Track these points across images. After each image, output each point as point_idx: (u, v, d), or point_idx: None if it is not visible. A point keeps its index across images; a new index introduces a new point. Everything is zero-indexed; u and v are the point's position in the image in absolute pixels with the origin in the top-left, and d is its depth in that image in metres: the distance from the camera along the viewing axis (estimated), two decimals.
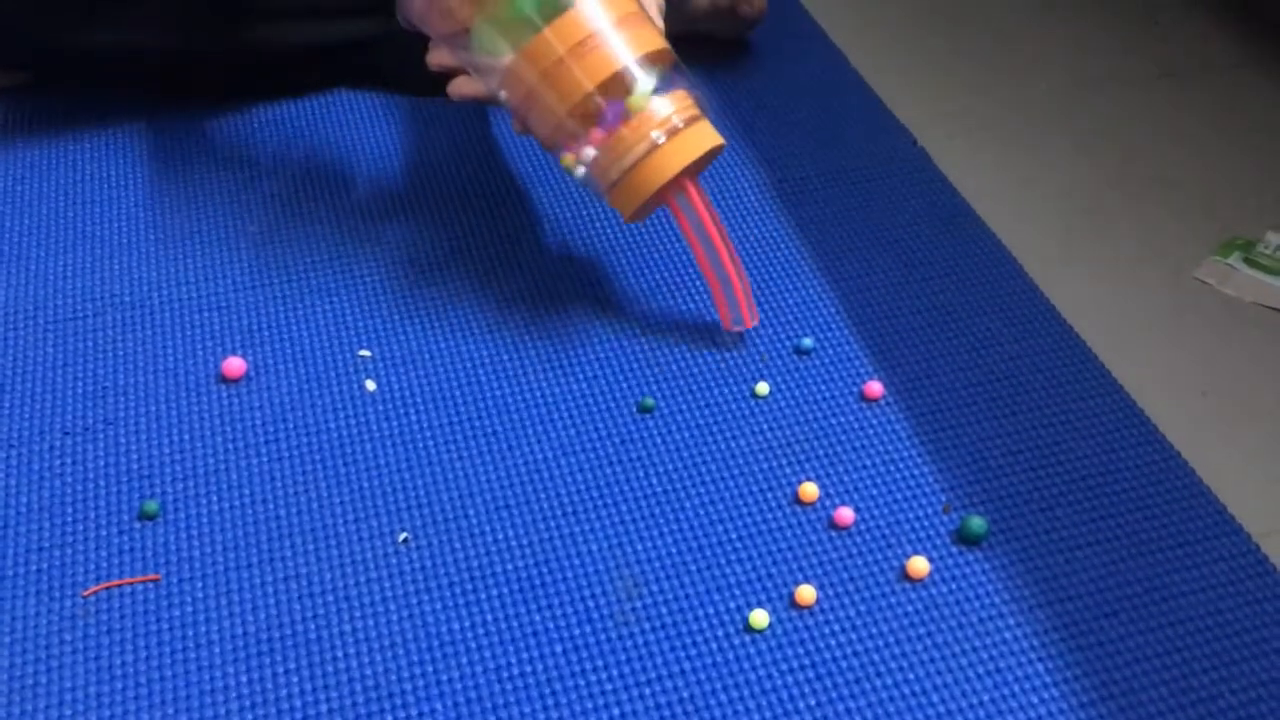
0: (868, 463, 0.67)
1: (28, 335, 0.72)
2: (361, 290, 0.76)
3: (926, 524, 0.64)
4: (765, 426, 0.69)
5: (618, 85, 0.65)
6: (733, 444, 0.68)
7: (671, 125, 0.66)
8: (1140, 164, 0.91)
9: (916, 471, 0.67)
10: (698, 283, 0.77)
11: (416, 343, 0.73)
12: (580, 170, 0.68)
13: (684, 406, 0.70)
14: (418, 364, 0.72)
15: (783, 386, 0.71)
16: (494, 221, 0.81)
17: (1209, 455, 0.68)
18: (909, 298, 0.77)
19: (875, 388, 0.70)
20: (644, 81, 0.66)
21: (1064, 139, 0.93)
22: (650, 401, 0.69)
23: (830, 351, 0.73)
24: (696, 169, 0.69)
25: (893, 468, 0.67)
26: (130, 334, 0.73)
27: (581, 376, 0.71)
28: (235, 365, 0.70)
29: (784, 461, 0.67)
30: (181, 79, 0.88)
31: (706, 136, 0.68)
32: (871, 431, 0.69)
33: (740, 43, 0.98)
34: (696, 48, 0.96)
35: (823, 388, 0.71)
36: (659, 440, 0.68)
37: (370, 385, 0.70)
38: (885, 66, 0.98)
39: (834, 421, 0.69)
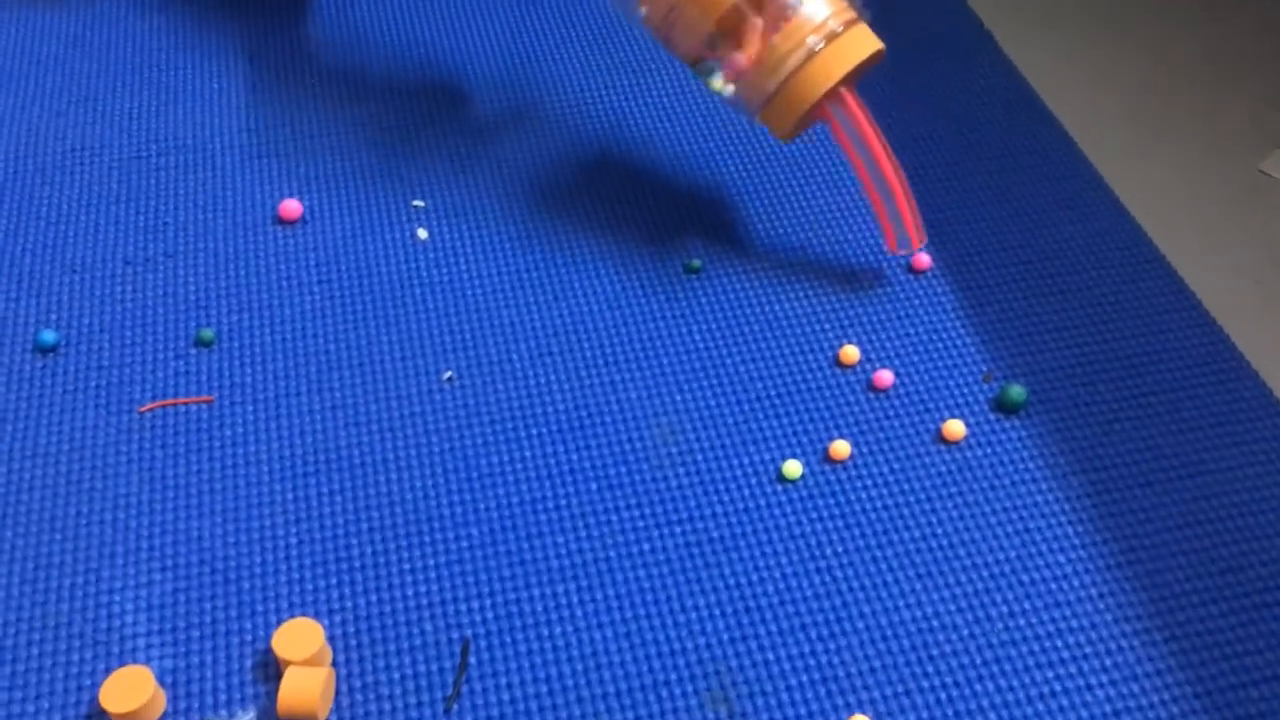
0: (910, 331, 0.67)
1: (94, 171, 0.74)
2: (418, 144, 0.77)
3: (966, 391, 0.64)
4: (810, 291, 0.69)
5: None
6: (776, 307, 0.68)
7: (829, 30, 0.62)
8: (1210, 60, 0.89)
9: (960, 341, 0.67)
10: (749, 148, 0.77)
11: (469, 196, 0.74)
12: (729, 88, 0.63)
13: (730, 269, 0.70)
14: (469, 216, 0.72)
15: (830, 253, 0.71)
16: (553, 86, 0.81)
17: (1258, 340, 0.68)
18: (966, 176, 0.77)
19: (924, 259, 0.70)
20: None
21: (1136, 33, 0.91)
22: (697, 263, 0.70)
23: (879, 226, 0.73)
24: (854, 77, 0.64)
25: (936, 336, 0.67)
26: (192, 175, 0.74)
27: (630, 236, 0.72)
28: (292, 207, 0.71)
29: (827, 326, 0.67)
30: None
31: (867, 41, 0.63)
32: (918, 301, 0.69)
33: None
34: None
35: (871, 257, 0.71)
36: (704, 299, 0.68)
37: (422, 234, 0.71)
38: None
39: (880, 291, 0.69)
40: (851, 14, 0.63)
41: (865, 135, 0.64)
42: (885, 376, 0.64)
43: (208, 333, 0.65)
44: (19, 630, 0.54)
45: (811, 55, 0.61)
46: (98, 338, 0.65)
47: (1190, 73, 0.88)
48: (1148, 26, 0.92)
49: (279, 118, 0.78)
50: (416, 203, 0.73)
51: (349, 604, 0.55)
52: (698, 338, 0.67)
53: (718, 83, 0.64)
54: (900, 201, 0.65)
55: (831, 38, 0.62)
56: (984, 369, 0.66)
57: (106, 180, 0.74)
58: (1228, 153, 0.81)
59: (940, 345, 0.67)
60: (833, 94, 0.63)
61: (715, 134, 0.78)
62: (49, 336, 0.64)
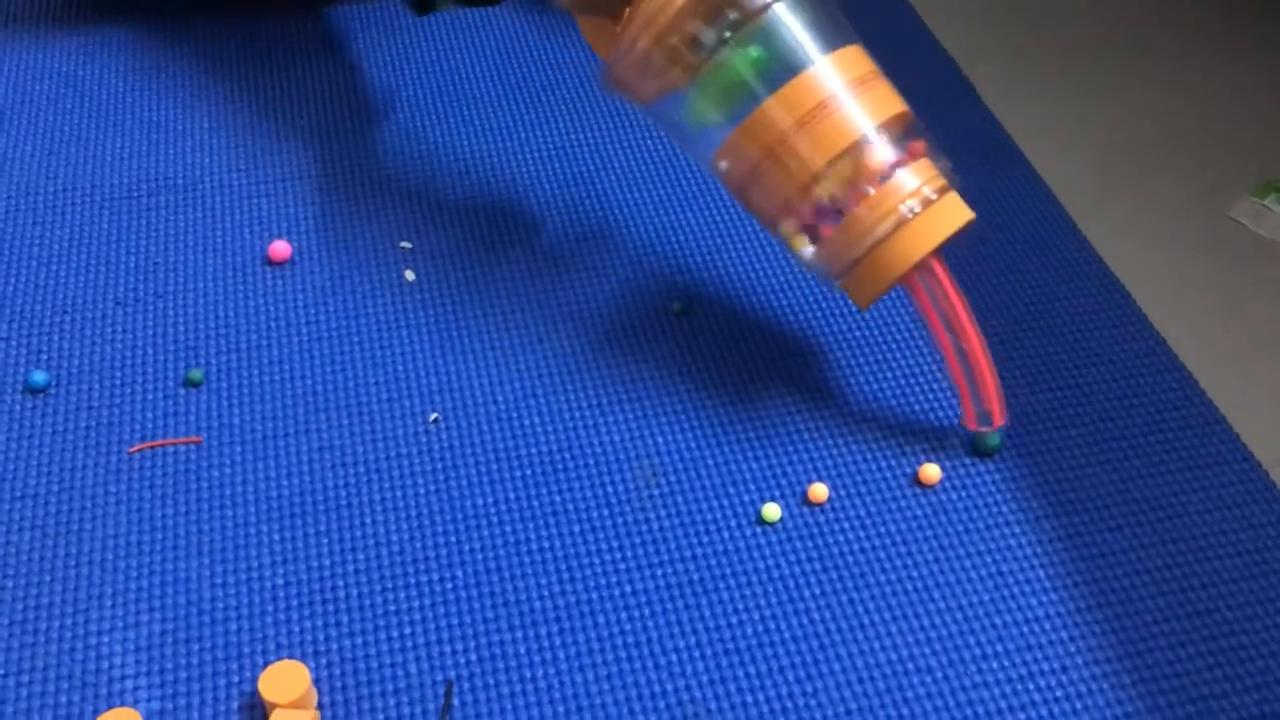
0: (889, 374, 0.69)
1: (85, 211, 0.75)
2: (406, 185, 0.78)
3: (942, 433, 0.66)
4: (791, 334, 0.70)
5: (854, 157, 0.58)
6: (758, 350, 0.70)
7: (923, 197, 0.59)
8: (1184, 107, 0.91)
9: (936, 384, 0.68)
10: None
11: (455, 239, 0.75)
12: (809, 251, 0.60)
13: (714, 313, 0.71)
14: (456, 259, 0.74)
15: (814, 298, 0.73)
16: (539, 127, 0.83)
17: (1226, 386, 0.69)
18: None
19: None
20: (883, 151, 0.58)
21: (1109, 79, 0.93)
22: (680, 306, 0.71)
23: None
24: (942, 247, 0.61)
25: (913, 378, 0.68)
26: (182, 214, 0.75)
27: (615, 279, 0.73)
28: (281, 248, 0.72)
29: (809, 369, 0.69)
30: None
31: (959, 211, 0.60)
32: (894, 344, 0.70)
33: None
34: None
35: (847, 301, 0.73)
36: (686, 343, 0.70)
37: (409, 275, 0.72)
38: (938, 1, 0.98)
39: (859, 333, 0.71)
40: (943, 181, 0.60)
41: (954, 308, 0.61)
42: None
43: (197, 373, 0.66)
44: (7, 672, 0.54)
45: (902, 223, 0.58)
46: (88, 378, 0.66)
47: (1161, 121, 0.90)
48: (1121, 75, 0.94)
49: (269, 158, 0.79)
50: (404, 244, 0.74)
51: (335, 645, 0.56)
52: (679, 381, 0.68)
53: (798, 241, 0.61)
54: (985, 377, 0.61)
55: (925, 205, 0.59)
56: (959, 413, 0.67)
57: (97, 220, 0.75)
58: (1198, 200, 0.83)
59: (918, 386, 0.68)
60: (921, 264, 0.60)
61: (700, 177, 0.80)
62: (40, 377, 0.65)
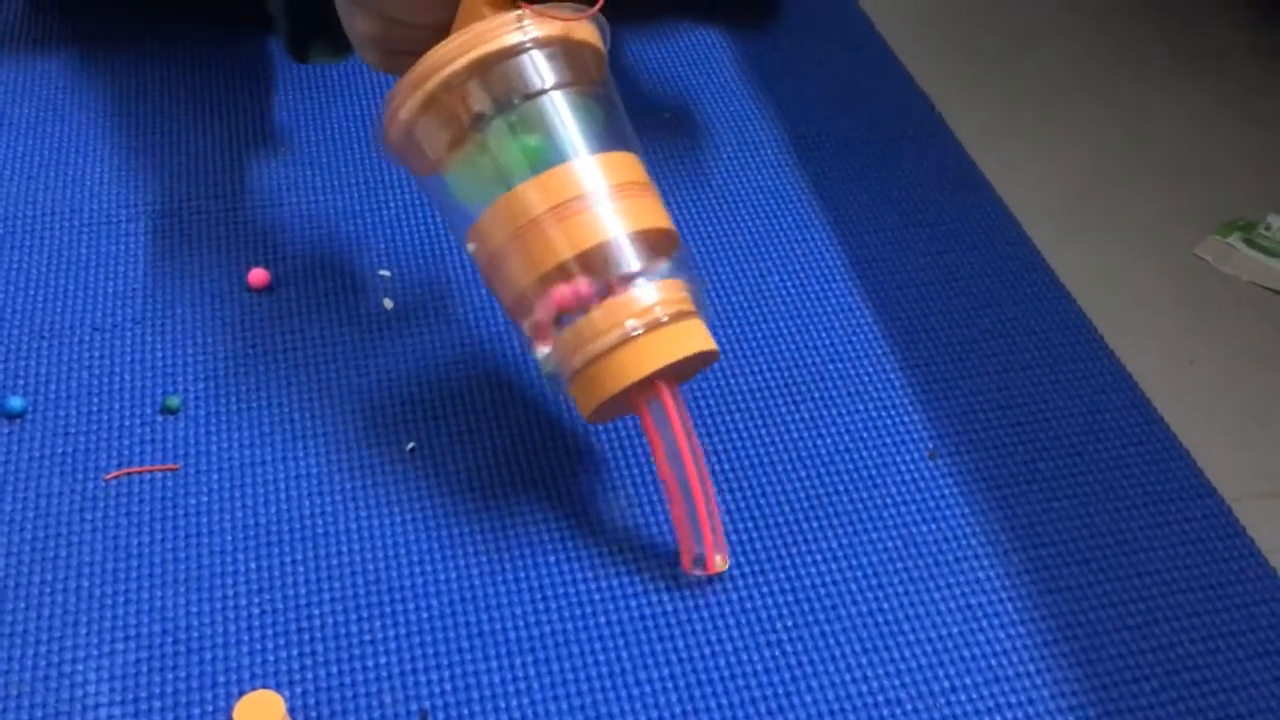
0: (859, 407, 0.70)
1: (63, 235, 0.75)
2: (385, 214, 0.79)
3: (911, 467, 0.67)
4: (765, 366, 0.71)
5: (600, 260, 0.55)
6: (732, 381, 0.70)
7: (653, 318, 0.55)
8: (1150, 143, 0.93)
9: (906, 417, 0.69)
10: (719, 214, 0.80)
11: (435, 267, 0.75)
12: (543, 350, 0.57)
13: None
14: (434, 287, 0.74)
15: (786, 330, 0.74)
16: None
17: (1189, 421, 0.71)
18: (913, 255, 0.80)
19: None
20: (630, 262, 0.55)
21: (1077, 115, 0.95)
22: None
23: (834, 301, 0.76)
24: (677, 374, 0.58)
25: (884, 413, 0.70)
26: (162, 240, 0.76)
27: None
28: (260, 276, 0.73)
29: (777, 399, 0.70)
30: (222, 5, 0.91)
31: (694, 339, 0.56)
32: (865, 378, 0.71)
33: (769, 6, 1.00)
34: (725, 6, 0.98)
35: (825, 334, 0.74)
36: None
37: (388, 303, 0.73)
38: (909, 33, 1.00)
39: (828, 367, 0.72)
40: (687, 306, 0.57)
41: (678, 440, 0.57)
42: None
43: (174, 400, 0.66)
44: None
45: (626, 340, 0.55)
46: (65, 404, 0.66)
47: (1130, 156, 0.92)
48: (1090, 110, 0.96)
49: (248, 185, 0.80)
50: (383, 272, 0.75)
51: (310, 675, 0.56)
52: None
53: (536, 348, 0.58)
54: (702, 518, 0.58)
55: (654, 327, 0.55)
56: (929, 446, 0.68)
57: (76, 245, 0.75)
58: (1163, 236, 0.85)
59: (888, 423, 0.69)
60: (648, 386, 0.56)
61: (681, 216, 0.81)
62: (16, 402, 0.65)
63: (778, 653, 0.58)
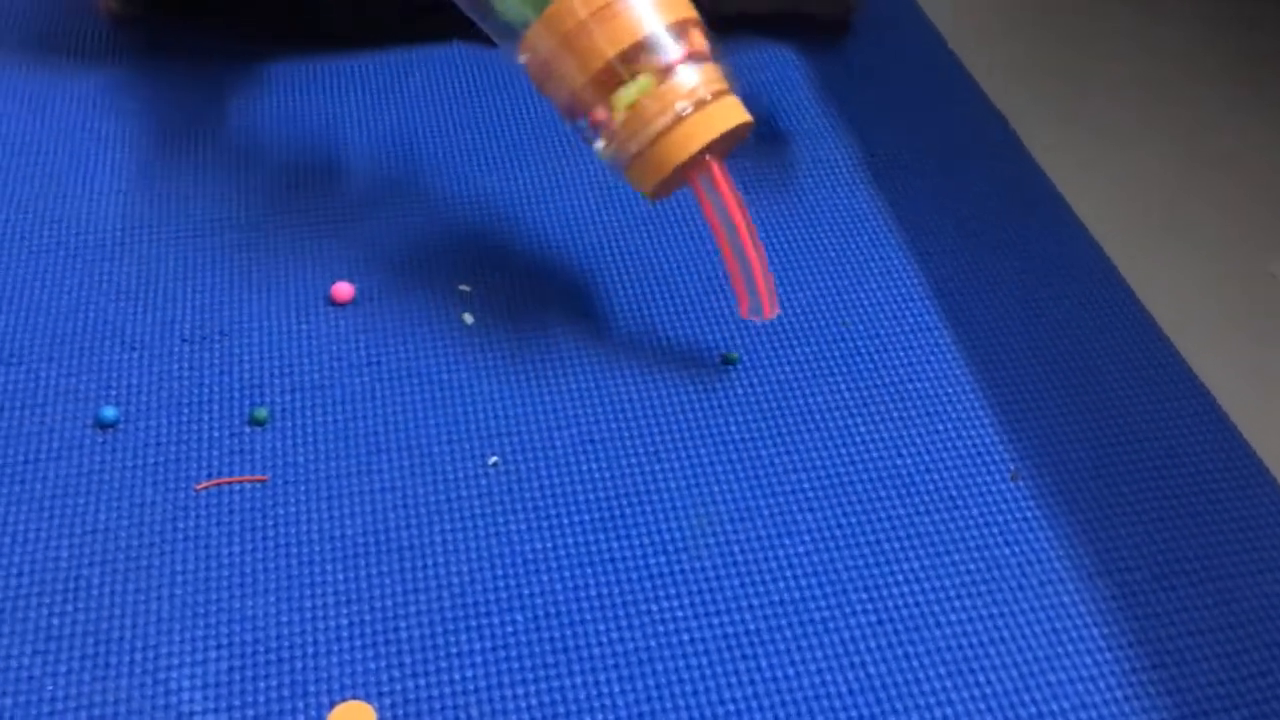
0: (940, 427, 0.70)
1: (152, 248, 0.77)
2: (465, 229, 0.79)
3: (994, 489, 0.66)
4: (843, 384, 0.71)
5: (642, 53, 0.62)
6: (811, 400, 0.71)
7: (699, 97, 0.63)
8: (1228, 159, 0.92)
9: (987, 439, 0.69)
10: (791, 239, 0.80)
11: (514, 282, 0.76)
12: (600, 144, 0.65)
13: (766, 361, 0.72)
14: (514, 302, 0.75)
15: (864, 349, 0.74)
16: (598, 173, 0.84)
17: (1274, 444, 0.70)
18: (989, 276, 0.79)
19: None
20: (670, 50, 0.62)
21: (1156, 133, 0.94)
22: (734, 355, 0.72)
23: (911, 320, 0.76)
24: (722, 147, 0.65)
25: (964, 433, 0.69)
26: (247, 253, 0.77)
27: (667, 325, 0.74)
28: (344, 289, 0.74)
29: (858, 419, 0.70)
30: (304, 19, 0.92)
31: (734, 112, 0.64)
32: (947, 399, 0.71)
33: (842, 24, 1.00)
34: (800, 26, 0.98)
35: (904, 353, 0.73)
36: (739, 391, 0.71)
37: (468, 318, 0.74)
38: (984, 52, 1.00)
39: (910, 386, 0.72)
40: (723, 84, 0.64)
41: (728, 204, 0.65)
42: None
43: (261, 412, 0.67)
44: (79, 705, 0.55)
45: (679, 120, 0.62)
46: (155, 414, 0.67)
47: (1204, 172, 0.91)
48: (1164, 123, 0.95)
49: (330, 200, 0.81)
50: (463, 287, 0.76)
51: (399, 686, 0.57)
52: (734, 429, 0.69)
53: (594, 142, 0.65)
54: (757, 273, 0.66)
55: (700, 105, 0.63)
56: (1010, 467, 0.68)
57: (164, 257, 0.76)
58: (1241, 254, 0.84)
59: (968, 444, 0.69)
60: (698, 162, 0.64)
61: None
62: (110, 412, 0.66)
63: (861, 675, 0.58)
